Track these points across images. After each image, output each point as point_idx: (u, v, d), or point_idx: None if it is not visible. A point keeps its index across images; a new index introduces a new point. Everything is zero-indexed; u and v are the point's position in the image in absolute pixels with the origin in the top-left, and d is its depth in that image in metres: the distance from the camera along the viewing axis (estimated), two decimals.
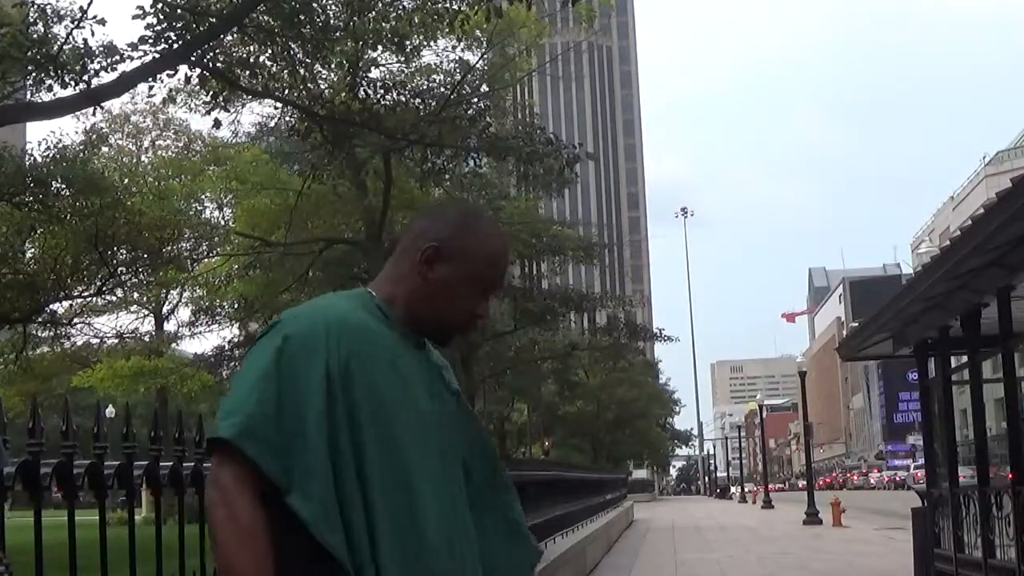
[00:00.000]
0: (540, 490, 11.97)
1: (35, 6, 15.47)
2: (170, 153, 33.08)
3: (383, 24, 18.09)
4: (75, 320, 30.27)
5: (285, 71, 18.47)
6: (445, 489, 2.02)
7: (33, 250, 25.07)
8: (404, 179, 25.07)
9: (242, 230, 28.06)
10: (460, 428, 2.13)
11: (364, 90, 19.78)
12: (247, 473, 1.88)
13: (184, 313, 35.84)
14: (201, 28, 14.68)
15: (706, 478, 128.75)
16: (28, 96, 17.24)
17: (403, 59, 23.08)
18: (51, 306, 26.43)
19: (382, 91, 19.66)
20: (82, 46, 14.56)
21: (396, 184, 24.00)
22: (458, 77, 23.77)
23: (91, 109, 16.36)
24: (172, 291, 34.31)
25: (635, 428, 66.61)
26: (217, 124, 22.41)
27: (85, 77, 14.44)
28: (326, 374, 1.92)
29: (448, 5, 16.99)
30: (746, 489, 71.88)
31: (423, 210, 2.43)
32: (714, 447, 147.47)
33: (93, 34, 14.61)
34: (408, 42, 19.82)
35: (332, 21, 17.50)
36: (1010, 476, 8.36)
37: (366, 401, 1.94)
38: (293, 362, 1.93)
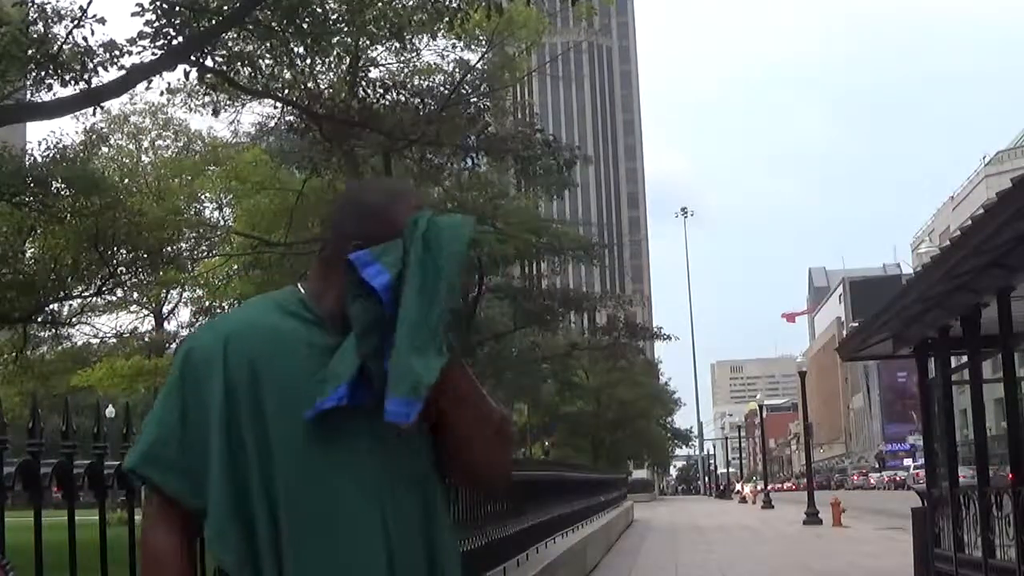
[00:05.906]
0: (540, 490, 11.97)
1: (35, 5, 15.45)
2: (170, 153, 33.10)
3: (382, 23, 18.09)
4: (75, 320, 30.31)
5: (285, 70, 18.47)
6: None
7: (33, 250, 25.11)
8: (403, 179, 25.05)
9: (242, 230, 28.06)
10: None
11: (364, 90, 19.78)
12: (168, 500, 1.85)
13: (184, 313, 35.97)
14: (200, 25, 14.68)
15: (706, 478, 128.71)
16: (28, 96, 17.24)
17: (403, 56, 23.06)
18: (51, 306, 26.47)
19: (381, 91, 19.66)
20: (82, 45, 14.57)
21: None
22: (458, 77, 23.76)
23: (91, 109, 16.35)
24: (172, 291, 34.35)
25: (635, 428, 66.54)
26: (216, 113, 22.39)
27: (85, 76, 14.44)
28: (225, 382, 1.85)
29: (448, 3, 16.97)
30: (747, 489, 71.77)
31: (341, 198, 2.12)
32: (714, 447, 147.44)
33: (93, 33, 14.65)
34: (407, 33, 19.76)
35: (331, 17, 17.49)
36: (1010, 476, 8.36)
37: (274, 397, 1.84)
38: (197, 375, 1.88)
